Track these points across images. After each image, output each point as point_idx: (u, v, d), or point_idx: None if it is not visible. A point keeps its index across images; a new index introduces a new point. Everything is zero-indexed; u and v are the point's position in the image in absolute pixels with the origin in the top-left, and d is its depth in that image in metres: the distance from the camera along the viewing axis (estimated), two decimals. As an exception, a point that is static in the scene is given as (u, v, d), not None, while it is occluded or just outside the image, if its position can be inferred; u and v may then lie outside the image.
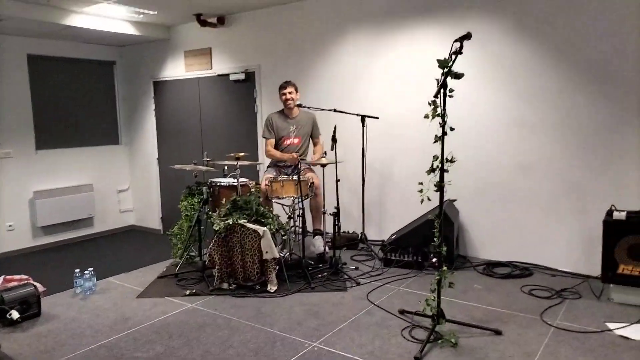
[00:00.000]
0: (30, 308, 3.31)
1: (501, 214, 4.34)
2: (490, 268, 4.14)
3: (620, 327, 3.02)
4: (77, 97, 6.79)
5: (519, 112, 4.18)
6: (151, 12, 5.70)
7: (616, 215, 3.43)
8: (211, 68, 6.17)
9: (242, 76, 5.85)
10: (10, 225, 6.19)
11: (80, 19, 5.57)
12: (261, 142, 5.74)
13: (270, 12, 5.57)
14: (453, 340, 2.83)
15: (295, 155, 4.47)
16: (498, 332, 2.97)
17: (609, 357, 2.66)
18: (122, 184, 7.39)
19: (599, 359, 2.65)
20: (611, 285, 3.44)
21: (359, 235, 4.83)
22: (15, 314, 3.17)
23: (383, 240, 4.76)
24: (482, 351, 2.75)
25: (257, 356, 2.76)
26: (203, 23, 5.90)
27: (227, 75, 6.00)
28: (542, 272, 4.04)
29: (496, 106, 4.27)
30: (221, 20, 5.92)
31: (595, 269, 3.71)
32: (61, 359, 2.78)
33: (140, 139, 7.20)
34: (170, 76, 6.66)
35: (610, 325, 3.05)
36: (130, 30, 6.08)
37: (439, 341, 2.85)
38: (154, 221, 7.21)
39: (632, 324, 3.06)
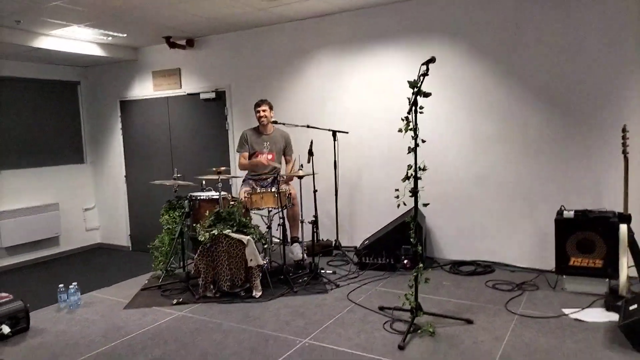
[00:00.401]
0: (19, 323, 3.35)
1: (463, 219, 4.73)
2: (456, 267, 4.51)
3: (575, 312, 3.41)
4: (41, 117, 6.74)
5: (474, 126, 4.62)
6: (120, 35, 5.82)
7: (566, 214, 3.87)
8: (180, 87, 6.33)
9: (212, 95, 6.05)
10: (-26, 248, 6.04)
11: (48, 41, 5.61)
12: (233, 157, 5.94)
13: (238, 35, 5.82)
14: (431, 329, 3.13)
15: (263, 159, 4.71)
16: (470, 322, 3.29)
17: (567, 337, 3.03)
18: (87, 202, 7.34)
19: (558, 339, 3.01)
20: (564, 276, 3.86)
21: (333, 242, 5.09)
22: (6, 329, 3.20)
23: (355, 247, 5.04)
24: (458, 338, 3.06)
25: (253, 354, 2.94)
26: (172, 45, 6.07)
27: (198, 94, 6.18)
28: (503, 269, 4.44)
29: (454, 121, 4.69)
30: (190, 43, 6.11)
31: (548, 264, 4.14)
32: (65, 365, 2.87)
33: (106, 157, 7.21)
34: (137, 96, 6.75)
35: (566, 311, 3.44)
36: (97, 51, 6.15)
37: (418, 331, 3.14)
38: (121, 238, 7.19)
39: (584, 308, 3.47)
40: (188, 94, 6.28)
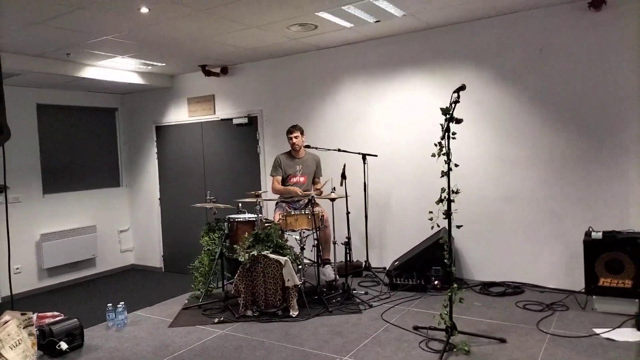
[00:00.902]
0: (75, 340, 3.56)
1: (491, 240, 4.84)
2: (486, 288, 4.60)
3: (606, 332, 3.49)
4: (81, 143, 7.10)
5: (500, 148, 4.76)
6: (159, 64, 6.15)
7: (594, 235, 3.96)
8: (214, 113, 6.62)
9: (245, 120, 6.31)
10: (17, 268, 6.34)
11: (93, 71, 5.97)
12: (265, 181, 6.17)
13: (271, 63, 6.10)
14: (466, 348, 3.24)
15: (298, 190, 4.91)
16: (503, 340, 3.39)
17: (599, 355, 3.11)
18: (122, 224, 7.63)
19: (590, 357, 3.09)
20: (594, 296, 3.94)
21: (363, 263, 5.23)
22: (64, 345, 3.41)
23: (384, 267, 5.18)
24: (492, 356, 3.17)
25: (296, 370, 3.10)
26: (207, 73, 6.38)
27: (230, 119, 6.45)
28: (532, 289, 4.52)
29: (481, 144, 4.84)
30: (224, 70, 6.42)
31: (578, 284, 4.21)
32: (119, 381, 3.06)
33: (141, 180, 7.51)
34: (172, 121, 7.06)
35: (597, 330, 3.52)
36: (136, 79, 6.50)
37: (454, 350, 3.25)
38: (154, 260, 7.44)
39: (614, 328, 3.54)
40: (221, 120, 6.56)
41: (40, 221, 6.53)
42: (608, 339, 3.38)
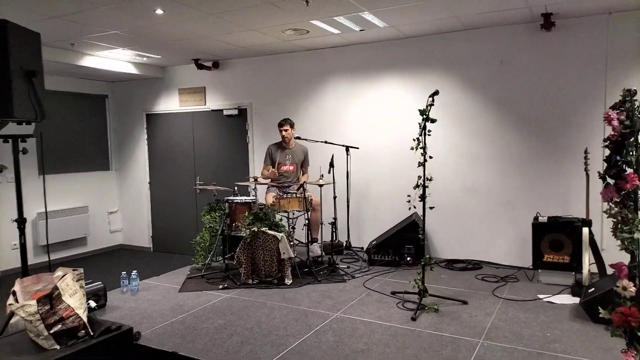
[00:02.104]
0: (100, 299, 4.06)
1: (455, 224, 5.60)
2: (450, 264, 5.35)
3: (547, 297, 4.28)
4: (73, 127, 7.44)
5: (466, 146, 5.51)
6: (155, 56, 6.59)
7: (540, 219, 4.76)
8: (205, 104, 7.11)
9: (235, 112, 6.84)
10: (14, 244, 6.68)
11: (91, 60, 6.36)
12: (253, 168, 6.73)
13: (260, 59, 6.65)
14: (435, 307, 3.95)
15: (275, 172, 5.49)
16: (465, 302, 4.13)
17: (540, 313, 3.88)
18: (112, 206, 8.02)
19: (534, 314, 3.86)
20: (539, 270, 4.74)
21: (344, 243, 5.90)
22: (92, 303, 3.91)
23: (362, 247, 5.86)
24: (457, 314, 3.89)
25: (298, 323, 3.72)
26: (200, 66, 6.86)
27: (221, 110, 6.97)
28: (489, 266, 5.30)
29: (449, 142, 5.57)
30: (216, 65, 6.92)
31: (527, 261, 5.01)
32: (149, 329, 3.60)
33: (130, 165, 7.91)
34: (163, 110, 7.50)
35: (540, 296, 4.30)
36: (129, 69, 6.89)
37: (425, 308, 3.95)
38: (143, 240, 7.88)
39: (554, 294, 4.33)
40: (212, 110, 7.07)
41: (36, 200, 6.86)
42: (549, 302, 4.16)
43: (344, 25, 5.11)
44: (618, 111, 2.26)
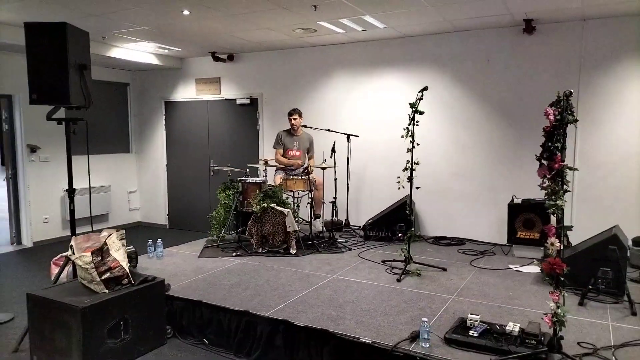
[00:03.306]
0: (132, 261, 4.74)
1: (442, 205, 6.26)
2: (437, 240, 6.02)
3: (517, 267, 4.94)
4: (97, 113, 8.10)
5: (454, 135, 6.15)
6: (176, 49, 7.24)
7: (515, 201, 5.41)
8: (220, 93, 7.76)
9: (247, 101, 7.50)
10: (45, 218, 7.41)
11: (118, 51, 7.02)
12: (262, 152, 7.39)
13: (271, 53, 7.28)
14: (418, 272, 4.63)
15: (299, 161, 6.17)
16: (444, 269, 4.80)
17: (508, 278, 4.55)
18: (131, 186, 8.72)
19: (502, 279, 4.52)
20: (513, 245, 5.39)
21: (344, 221, 6.58)
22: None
23: (359, 226, 6.53)
24: (436, 277, 4.56)
25: (301, 281, 4.41)
26: (216, 59, 7.51)
27: (234, 99, 7.63)
28: (471, 242, 5.97)
29: (439, 131, 6.21)
30: (231, 57, 7.56)
31: (504, 238, 5.64)
32: (176, 284, 4.30)
33: (149, 148, 8.60)
34: (180, 98, 8.16)
35: (511, 266, 4.97)
36: (151, 59, 7.54)
37: (409, 273, 4.63)
38: (160, 218, 8.60)
39: (523, 265, 4.99)
40: (226, 99, 7.72)
41: (65, 178, 7.53)
42: (517, 271, 4.83)
43: (348, 26, 5.73)
44: (554, 108, 2.90)
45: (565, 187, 2.82)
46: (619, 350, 3.08)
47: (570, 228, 3.05)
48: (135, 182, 8.80)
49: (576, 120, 2.89)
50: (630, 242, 4.84)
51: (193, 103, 8.08)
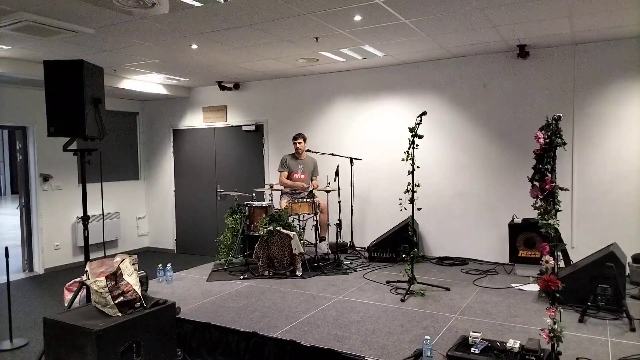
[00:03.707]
0: (143, 286, 4.89)
1: (445, 226, 6.38)
2: (440, 261, 6.13)
3: (519, 285, 5.04)
4: (107, 142, 8.27)
5: (454, 157, 6.31)
6: (183, 79, 7.51)
7: (516, 220, 5.53)
8: (226, 120, 8.00)
9: (253, 127, 7.72)
10: (57, 245, 7.58)
11: (128, 83, 7.29)
12: (268, 177, 7.58)
13: (275, 81, 7.54)
14: (422, 292, 4.74)
15: (304, 184, 6.35)
16: (447, 289, 4.90)
17: (510, 297, 4.65)
18: (140, 212, 8.91)
19: (504, 298, 4.62)
20: (515, 264, 5.50)
21: (348, 242, 6.71)
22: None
23: (364, 247, 6.65)
24: (439, 297, 4.67)
25: (307, 303, 4.53)
26: (222, 88, 7.77)
27: (240, 126, 7.85)
28: (474, 262, 6.07)
29: (440, 153, 6.38)
30: (236, 86, 7.82)
31: (506, 258, 5.75)
32: (186, 307, 4.43)
33: (158, 175, 8.82)
34: (188, 126, 8.41)
35: (513, 285, 5.06)
36: (160, 90, 7.82)
37: (413, 293, 4.74)
38: (168, 243, 8.75)
39: (525, 284, 5.08)
40: (232, 126, 7.95)
41: (76, 206, 7.76)
42: (519, 289, 4.93)
43: (349, 55, 5.96)
44: (544, 132, 3.07)
45: (557, 206, 2.95)
46: (616, 364, 3.17)
47: (563, 246, 3.18)
48: (144, 208, 8.99)
49: (564, 143, 3.04)
50: (629, 260, 4.94)
51: (200, 130, 8.31)
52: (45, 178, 7.48)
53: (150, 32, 4.82)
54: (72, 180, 7.78)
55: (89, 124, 4.07)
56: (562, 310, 3.25)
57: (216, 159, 8.18)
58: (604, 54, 5.47)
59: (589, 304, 4.06)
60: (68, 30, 4.56)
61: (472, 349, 3.28)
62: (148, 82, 7.56)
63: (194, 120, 8.35)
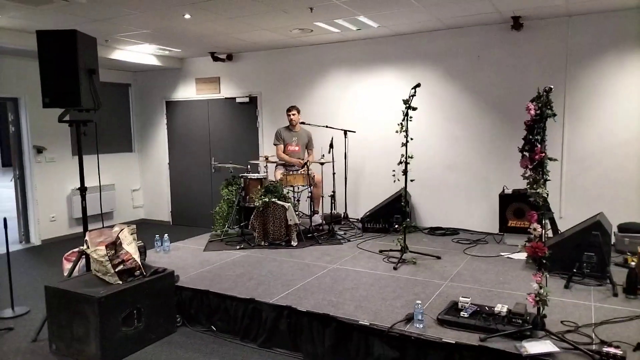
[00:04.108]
0: (141, 255, 4.96)
1: (437, 197, 6.50)
2: (432, 231, 6.26)
3: (507, 254, 5.18)
4: (100, 113, 8.23)
5: (447, 129, 6.38)
6: (176, 50, 7.45)
7: (506, 191, 5.64)
8: (219, 92, 7.98)
9: (246, 99, 7.71)
10: (52, 217, 7.63)
11: (120, 53, 7.22)
12: (262, 150, 7.62)
13: (269, 53, 7.49)
14: (414, 260, 4.87)
15: (300, 160, 6.39)
16: (438, 257, 5.03)
17: (499, 264, 4.79)
18: (134, 184, 8.94)
19: (493, 265, 4.76)
20: (505, 234, 5.64)
21: (342, 214, 6.81)
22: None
23: (357, 219, 6.76)
24: (430, 265, 4.80)
25: (302, 271, 4.65)
26: (215, 59, 7.72)
27: (234, 98, 7.84)
28: (465, 232, 6.21)
29: (433, 125, 6.44)
30: (229, 57, 7.77)
31: (496, 228, 5.88)
32: (184, 276, 4.53)
33: (151, 147, 8.82)
34: (181, 97, 8.37)
35: (503, 253, 5.21)
36: (152, 60, 7.74)
37: (405, 261, 4.87)
38: (163, 215, 8.83)
39: (513, 252, 5.23)
40: (226, 98, 7.94)
41: (71, 178, 7.78)
42: (508, 257, 5.07)
43: (343, 26, 5.94)
44: (534, 103, 3.13)
45: (545, 176, 3.04)
46: (598, 327, 3.32)
47: (551, 214, 3.28)
48: (138, 180, 9.02)
49: (555, 115, 3.11)
50: (615, 229, 5.09)
51: (194, 102, 8.29)
52: (39, 150, 7.47)
53: (142, 1, 4.78)
54: (66, 151, 7.78)
55: (84, 95, 4.08)
56: (548, 276, 3.39)
57: (210, 131, 8.19)
58: (597, 26, 5.49)
59: (574, 270, 4.20)
60: (60, -1, 4.51)
61: (461, 312, 3.41)
62: (140, 53, 7.49)
63: (187, 92, 8.32)
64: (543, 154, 2.99)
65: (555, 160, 3.19)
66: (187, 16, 5.32)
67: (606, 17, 5.44)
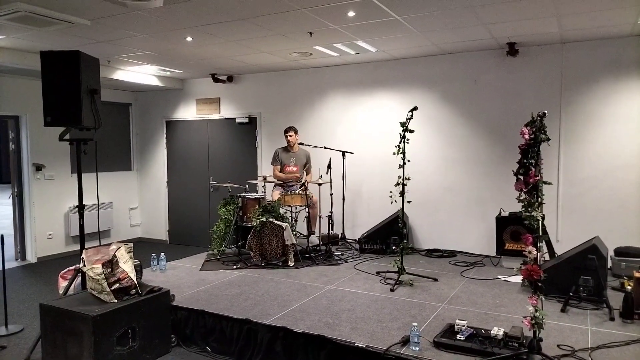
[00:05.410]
0: (137, 274, 4.96)
1: (434, 219, 6.52)
2: (429, 252, 6.27)
3: (505, 277, 5.18)
4: (100, 132, 8.33)
5: (444, 151, 6.44)
6: (177, 71, 7.55)
7: (503, 214, 5.67)
8: (219, 113, 8.06)
9: (246, 120, 7.79)
10: (49, 234, 7.62)
11: (121, 74, 7.32)
12: (261, 169, 7.66)
13: (269, 74, 7.60)
14: (411, 282, 4.86)
15: (296, 174, 6.43)
16: (435, 280, 5.03)
17: (496, 287, 4.79)
18: (132, 203, 8.95)
19: (490, 288, 4.76)
20: (502, 256, 5.64)
21: (340, 234, 6.82)
22: (133, 276, 4.82)
23: (355, 240, 6.77)
24: (427, 287, 4.80)
25: (299, 292, 4.64)
26: (216, 80, 7.82)
27: (233, 119, 7.92)
28: (462, 254, 6.21)
29: (430, 148, 6.50)
30: (230, 78, 7.87)
31: (493, 250, 5.89)
32: (180, 295, 4.51)
33: (150, 166, 8.86)
34: (181, 117, 8.45)
35: (500, 276, 5.21)
36: (153, 81, 7.85)
37: (402, 283, 4.86)
38: (160, 233, 8.81)
39: (511, 275, 5.23)
40: (225, 119, 8.01)
41: (69, 196, 7.80)
42: (505, 280, 5.07)
43: (342, 50, 6.05)
44: (529, 128, 3.18)
45: (540, 199, 3.08)
46: (595, 351, 3.31)
47: (546, 237, 3.31)
48: (136, 198, 9.03)
49: (548, 139, 3.16)
50: (612, 253, 5.10)
51: (193, 122, 8.36)
52: (38, 167, 7.50)
53: (145, 24, 4.87)
54: (65, 170, 7.81)
55: (85, 114, 4.13)
56: (545, 300, 3.40)
57: (209, 150, 8.24)
58: (591, 53, 5.60)
59: (571, 294, 4.21)
60: (64, 21, 4.61)
61: (457, 335, 3.41)
62: (142, 74, 7.59)
63: (187, 112, 8.40)
64: (537, 178, 3.03)
65: (550, 183, 3.23)
66: (189, 39, 5.42)
67: (600, 44, 5.55)
